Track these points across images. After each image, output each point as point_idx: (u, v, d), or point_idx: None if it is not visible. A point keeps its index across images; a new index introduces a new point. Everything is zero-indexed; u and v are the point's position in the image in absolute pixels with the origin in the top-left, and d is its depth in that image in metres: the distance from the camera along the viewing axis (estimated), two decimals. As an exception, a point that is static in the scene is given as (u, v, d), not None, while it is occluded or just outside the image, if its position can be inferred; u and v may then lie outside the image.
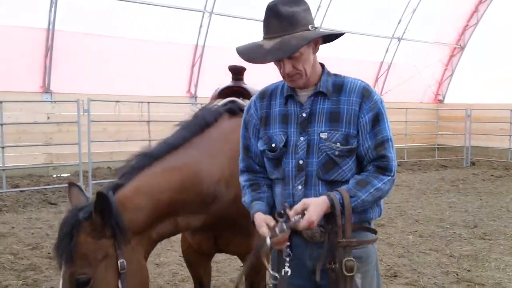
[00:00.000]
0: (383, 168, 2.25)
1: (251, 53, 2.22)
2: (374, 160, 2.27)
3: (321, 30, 2.32)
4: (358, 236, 2.26)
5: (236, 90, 3.87)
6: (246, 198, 2.47)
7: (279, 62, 2.23)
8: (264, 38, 2.22)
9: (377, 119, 2.26)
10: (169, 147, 2.82)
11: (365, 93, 2.27)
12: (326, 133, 2.25)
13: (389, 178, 2.25)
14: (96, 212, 2.34)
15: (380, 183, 2.23)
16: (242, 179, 2.53)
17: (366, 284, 2.29)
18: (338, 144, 2.23)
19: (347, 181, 2.26)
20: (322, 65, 2.37)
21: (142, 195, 2.56)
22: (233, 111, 3.23)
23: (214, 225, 3.02)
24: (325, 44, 2.40)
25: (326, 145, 2.24)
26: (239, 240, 3.20)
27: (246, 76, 4.17)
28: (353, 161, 2.28)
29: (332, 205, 2.15)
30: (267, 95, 2.45)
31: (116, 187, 2.59)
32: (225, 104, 3.38)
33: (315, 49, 2.29)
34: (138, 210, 2.52)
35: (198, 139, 2.94)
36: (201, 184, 2.79)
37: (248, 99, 3.67)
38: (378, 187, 2.23)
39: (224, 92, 3.89)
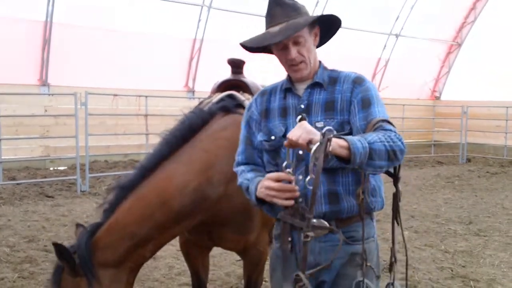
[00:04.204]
0: (383, 129, 2.12)
1: (258, 39, 2.28)
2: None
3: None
4: (360, 229, 2.25)
5: (235, 83, 3.85)
6: (248, 175, 2.35)
7: (283, 50, 2.26)
8: (269, 27, 2.28)
9: (368, 102, 2.24)
10: (144, 172, 2.93)
11: (357, 80, 2.31)
12: (322, 122, 2.25)
13: (392, 134, 2.08)
14: (60, 260, 2.77)
15: (384, 133, 2.08)
16: (241, 168, 2.44)
17: (369, 282, 2.26)
18: (334, 132, 2.21)
19: (346, 168, 2.21)
20: (319, 61, 2.42)
21: (112, 233, 2.81)
22: (227, 108, 3.22)
23: (206, 222, 3.04)
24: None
25: None
26: (234, 236, 3.20)
27: (245, 71, 4.16)
28: None
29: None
30: (267, 92, 2.49)
31: (97, 228, 2.87)
32: (220, 100, 3.37)
33: (315, 41, 2.35)
34: (110, 247, 2.80)
35: (179, 151, 2.96)
36: (170, 203, 2.84)
37: (247, 92, 3.67)
38: (384, 132, 2.08)
39: (223, 86, 3.86)
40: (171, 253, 6.03)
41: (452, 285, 5.18)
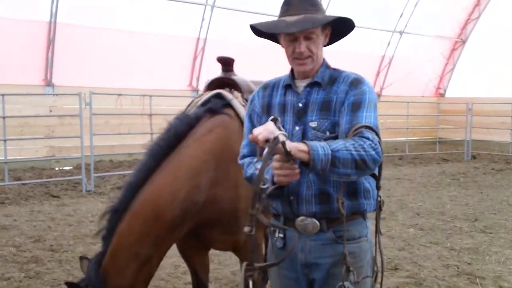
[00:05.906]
0: (360, 137, 2.10)
1: (271, 25, 2.27)
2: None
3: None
4: (352, 228, 2.28)
5: (225, 81, 3.84)
6: (257, 165, 2.28)
7: (293, 42, 2.25)
8: (284, 16, 2.26)
9: (358, 106, 2.21)
10: (132, 190, 2.91)
11: (354, 82, 2.28)
12: (316, 122, 2.26)
13: (367, 142, 2.07)
14: None
15: (356, 141, 2.07)
16: (247, 160, 2.41)
17: (360, 282, 2.27)
18: (328, 133, 2.23)
19: None
20: (323, 58, 2.41)
21: (118, 258, 2.81)
22: (213, 110, 3.22)
23: (194, 225, 3.07)
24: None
25: (312, 134, 2.25)
26: (222, 237, 3.23)
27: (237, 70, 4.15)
28: None
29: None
30: (270, 86, 2.49)
31: (101, 257, 2.86)
32: (207, 101, 3.39)
33: (324, 41, 2.34)
34: (119, 272, 2.79)
35: (166, 161, 2.94)
36: (163, 216, 2.84)
37: (237, 90, 3.68)
38: (357, 140, 2.07)
39: (213, 84, 3.86)
40: (176, 252, 5.96)
41: (458, 283, 5.17)
